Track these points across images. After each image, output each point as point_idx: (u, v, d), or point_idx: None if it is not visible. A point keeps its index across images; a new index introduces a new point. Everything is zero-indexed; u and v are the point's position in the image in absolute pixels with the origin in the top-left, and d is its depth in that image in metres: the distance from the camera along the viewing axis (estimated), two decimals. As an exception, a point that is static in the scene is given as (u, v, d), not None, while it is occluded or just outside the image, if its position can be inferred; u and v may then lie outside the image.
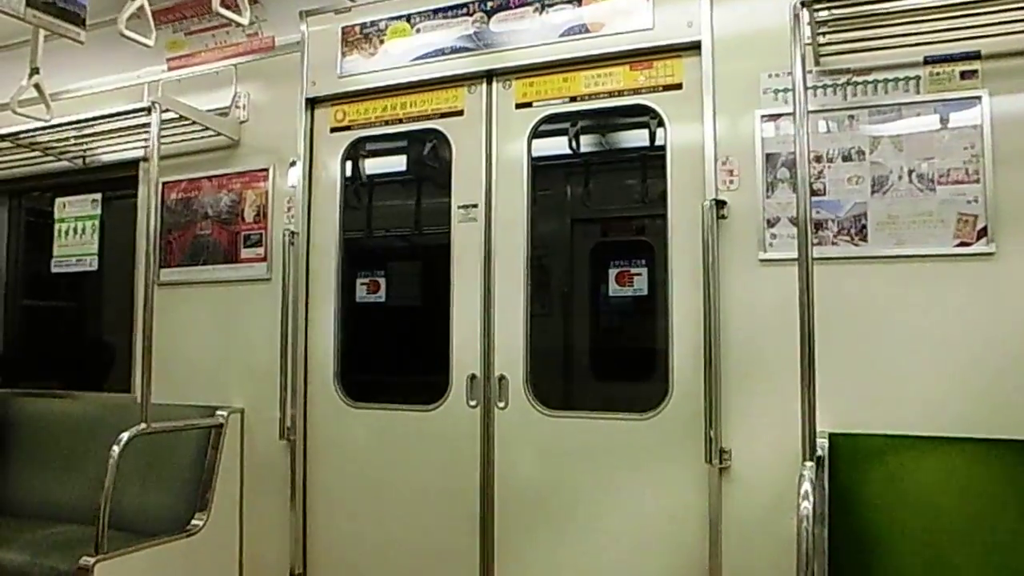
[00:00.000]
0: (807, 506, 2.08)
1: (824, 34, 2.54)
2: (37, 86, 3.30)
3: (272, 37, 3.65)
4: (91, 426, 3.72)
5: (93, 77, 3.99)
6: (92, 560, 2.83)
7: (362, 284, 3.55)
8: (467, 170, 3.25)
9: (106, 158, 3.97)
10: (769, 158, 2.72)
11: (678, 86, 2.93)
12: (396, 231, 3.83)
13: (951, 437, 2.41)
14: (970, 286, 2.45)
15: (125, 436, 3.03)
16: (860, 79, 2.62)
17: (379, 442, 3.32)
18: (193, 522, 3.30)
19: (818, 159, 2.63)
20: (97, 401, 3.90)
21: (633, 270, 3.08)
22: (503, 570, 3.07)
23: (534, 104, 3.17)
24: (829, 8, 2.41)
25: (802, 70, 2.30)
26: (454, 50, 3.25)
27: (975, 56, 2.49)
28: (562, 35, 3.06)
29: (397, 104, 3.41)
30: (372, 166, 3.74)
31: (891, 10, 2.41)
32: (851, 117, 2.62)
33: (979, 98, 2.47)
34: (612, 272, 3.11)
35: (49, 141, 3.85)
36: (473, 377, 3.15)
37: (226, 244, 3.68)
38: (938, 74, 2.54)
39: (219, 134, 3.63)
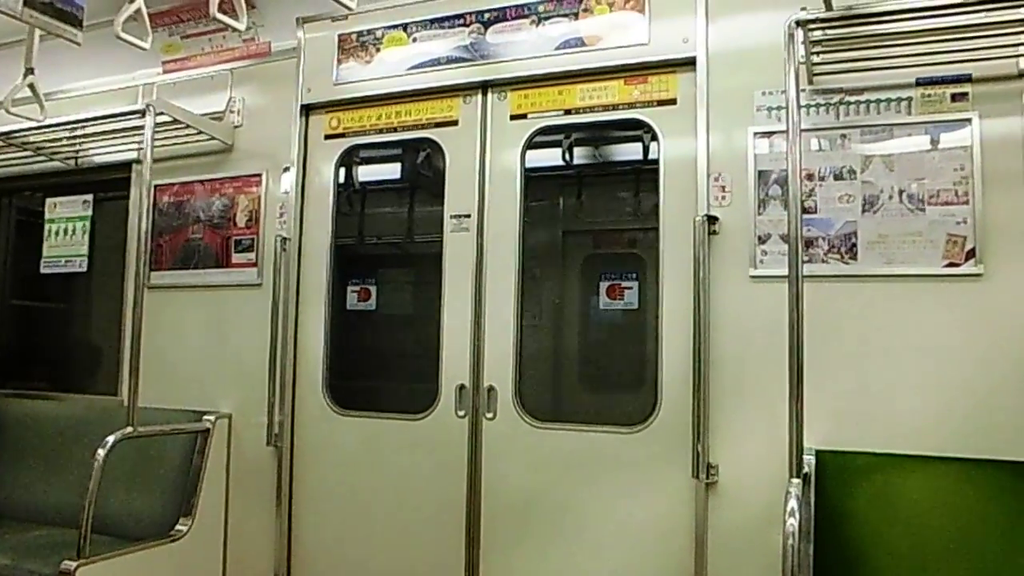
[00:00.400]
0: (793, 522, 2.09)
1: (818, 53, 2.56)
2: (31, 86, 3.29)
3: (268, 43, 3.65)
4: (77, 428, 3.70)
5: (88, 78, 3.98)
6: (74, 564, 2.81)
7: (353, 291, 3.55)
8: (460, 180, 3.26)
9: (99, 159, 3.96)
10: (761, 175, 2.74)
11: (672, 101, 2.95)
12: (388, 239, 3.83)
13: (938, 456, 2.42)
14: (958, 307, 2.47)
15: (111, 439, 3.01)
16: (853, 99, 2.65)
17: (366, 450, 3.31)
18: (178, 527, 3.28)
19: (810, 177, 2.65)
20: (83, 403, 3.87)
21: (624, 283, 3.09)
22: (488, 581, 3.07)
23: (529, 116, 3.18)
24: (823, 28, 2.43)
25: (796, 88, 2.32)
26: (450, 60, 3.26)
27: (966, 79, 2.52)
28: (558, 48, 3.08)
29: (392, 112, 3.42)
30: (365, 174, 3.74)
31: (885, 32, 2.43)
32: (843, 136, 2.65)
33: (969, 120, 2.50)
34: (603, 285, 3.12)
35: (42, 141, 3.84)
36: (462, 387, 3.15)
37: (217, 248, 3.67)
38: (930, 96, 2.56)
39: (213, 138, 3.63)
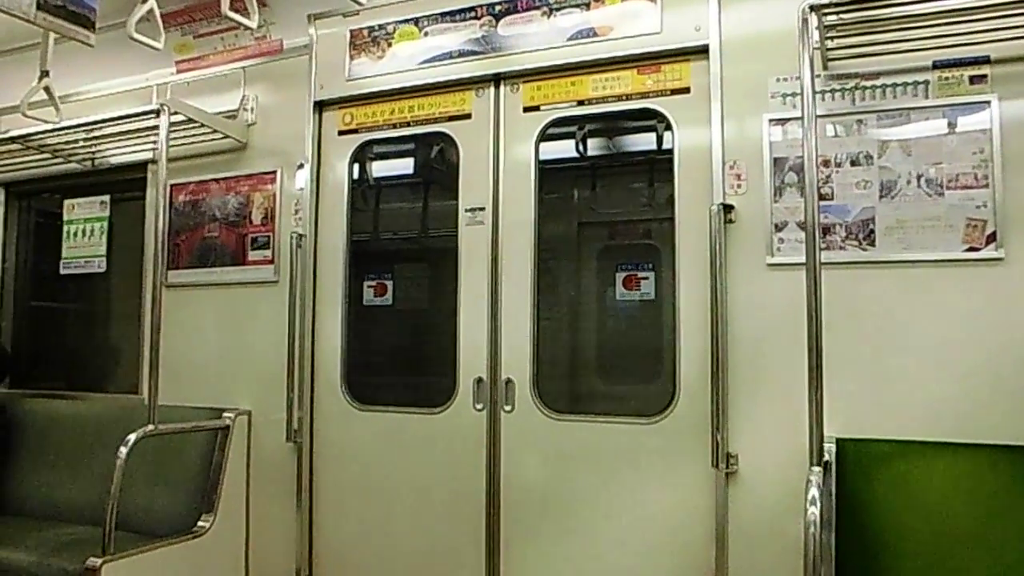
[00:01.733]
0: (814, 511, 2.08)
1: (832, 38, 2.54)
2: (47, 89, 3.31)
3: (280, 40, 3.65)
4: (98, 427, 3.74)
5: (102, 80, 4.01)
6: (99, 561, 2.84)
7: (369, 287, 3.56)
8: (474, 173, 3.25)
9: (115, 160, 3.98)
10: (777, 162, 2.72)
11: (686, 90, 2.93)
12: (403, 234, 3.83)
13: (959, 443, 2.40)
14: (978, 291, 2.44)
15: (132, 437, 3.03)
16: (868, 83, 2.62)
17: (385, 445, 3.32)
18: (200, 523, 3.31)
19: (826, 163, 2.63)
20: (104, 402, 3.90)
21: (640, 274, 3.08)
22: (509, 573, 3.07)
23: (542, 108, 3.17)
24: (838, 12, 2.40)
25: (810, 74, 2.30)
26: (462, 53, 3.25)
27: (984, 61, 2.48)
28: (570, 39, 3.07)
29: (405, 107, 3.42)
30: (380, 169, 3.75)
31: (900, 14, 2.41)
32: (859, 121, 2.62)
33: (988, 103, 2.47)
34: (619, 276, 3.11)
35: (58, 143, 3.86)
36: (480, 380, 3.15)
37: (233, 246, 3.69)
38: (947, 78, 2.53)
39: (227, 137, 3.64)
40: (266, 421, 3.51)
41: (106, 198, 4.07)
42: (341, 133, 3.53)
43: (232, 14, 2.91)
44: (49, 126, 3.54)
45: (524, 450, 3.07)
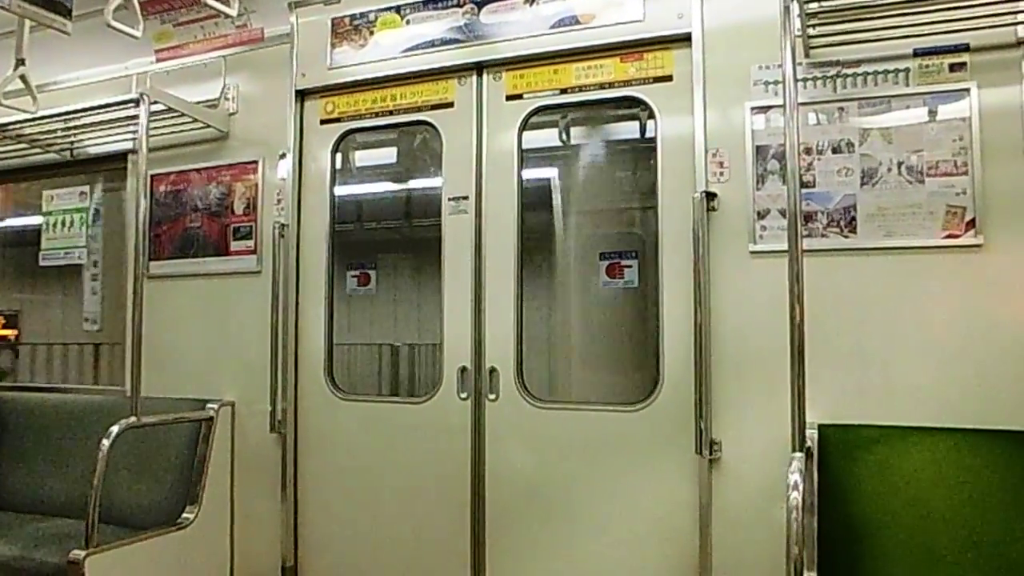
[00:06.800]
0: (796, 496, 2.09)
1: (814, 26, 2.54)
2: (23, 77, 3.28)
3: (261, 28, 3.62)
4: (81, 420, 3.71)
5: (80, 69, 3.96)
6: (83, 554, 2.82)
7: (352, 276, 3.55)
8: (458, 162, 3.24)
9: (94, 150, 3.94)
10: (759, 150, 2.72)
11: (668, 78, 2.93)
12: (386, 223, 3.82)
13: (940, 427, 2.43)
14: (958, 278, 2.47)
15: (115, 429, 3.01)
16: (850, 71, 2.63)
17: (370, 435, 3.32)
18: (184, 515, 3.29)
19: (808, 151, 2.64)
20: (87, 395, 3.87)
21: (624, 262, 3.08)
22: (494, 561, 3.08)
23: (524, 96, 3.16)
24: (819, 0, 2.41)
25: (792, 62, 2.29)
26: (444, 42, 3.24)
27: (964, 48, 2.50)
28: (552, 27, 3.06)
29: (387, 96, 3.40)
30: (362, 158, 3.73)
31: (881, 2, 2.42)
32: (841, 109, 2.63)
33: (968, 90, 2.48)
34: (603, 264, 3.12)
35: (36, 133, 3.81)
36: (464, 369, 3.15)
37: (216, 237, 3.66)
38: (927, 66, 2.54)
39: (208, 126, 3.61)
40: (250, 412, 3.50)
41: (86, 189, 4.03)
42: (323, 122, 3.51)
43: (212, 2, 2.89)
44: (26, 115, 3.50)
45: (508, 439, 3.08)
